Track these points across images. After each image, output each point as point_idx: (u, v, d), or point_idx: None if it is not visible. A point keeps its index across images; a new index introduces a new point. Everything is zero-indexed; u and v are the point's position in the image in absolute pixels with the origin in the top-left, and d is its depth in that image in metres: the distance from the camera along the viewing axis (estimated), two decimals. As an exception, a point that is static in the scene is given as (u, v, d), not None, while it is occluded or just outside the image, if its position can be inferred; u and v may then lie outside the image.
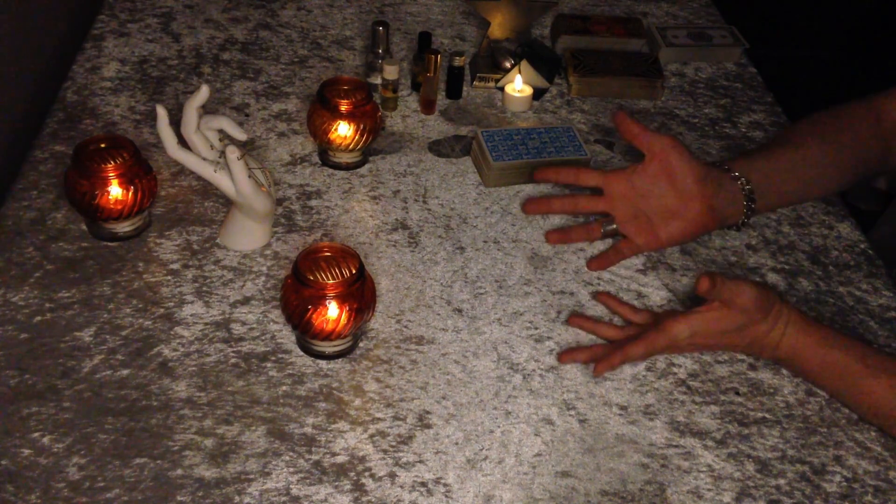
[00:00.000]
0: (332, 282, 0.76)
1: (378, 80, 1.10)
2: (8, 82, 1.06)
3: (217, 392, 0.76)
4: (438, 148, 1.07)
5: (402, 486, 0.71)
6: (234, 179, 0.83)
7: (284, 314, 0.78)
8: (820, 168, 0.95)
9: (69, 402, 0.74)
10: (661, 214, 0.90)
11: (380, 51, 1.10)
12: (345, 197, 0.98)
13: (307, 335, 0.77)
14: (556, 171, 0.94)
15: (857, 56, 2.74)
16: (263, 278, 0.87)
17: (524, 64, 1.14)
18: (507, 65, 1.17)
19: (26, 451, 0.70)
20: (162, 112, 0.82)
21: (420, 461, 0.73)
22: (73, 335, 0.79)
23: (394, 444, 0.74)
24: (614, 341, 0.84)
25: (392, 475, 0.71)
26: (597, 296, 0.89)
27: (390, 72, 1.07)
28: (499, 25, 1.17)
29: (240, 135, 0.83)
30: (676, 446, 0.76)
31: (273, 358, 0.80)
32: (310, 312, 0.75)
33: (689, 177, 0.88)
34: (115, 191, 0.85)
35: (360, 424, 0.75)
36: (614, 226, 0.93)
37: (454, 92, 1.14)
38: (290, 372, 0.79)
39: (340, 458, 0.72)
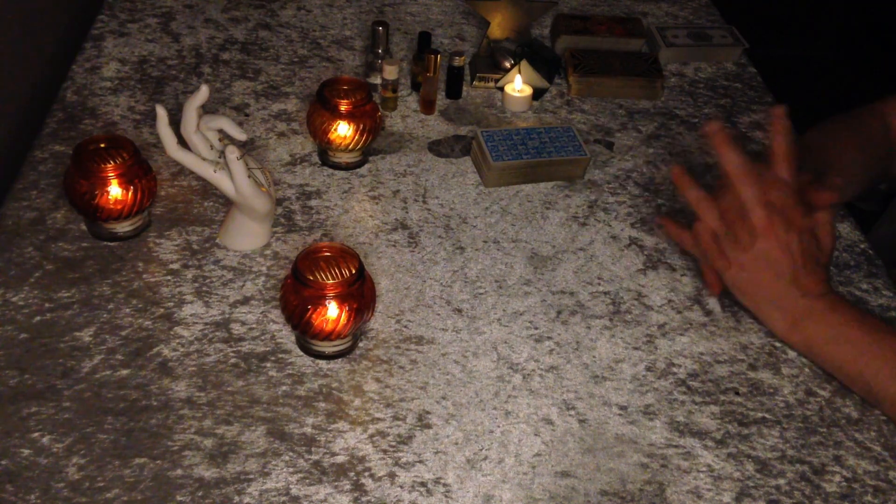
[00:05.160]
0: (331, 282, 0.76)
1: (378, 80, 1.10)
2: (8, 82, 1.06)
3: (217, 392, 0.76)
4: (438, 148, 1.07)
5: (401, 486, 0.71)
6: (233, 179, 0.83)
7: (284, 314, 0.78)
8: (849, 182, 0.96)
9: (69, 402, 0.74)
10: None
11: (380, 51, 1.10)
12: (344, 197, 0.98)
13: (307, 335, 0.77)
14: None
15: (857, 56, 2.74)
16: (263, 278, 0.87)
17: (524, 64, 1.14)
18: (507, 65, 1.17)
19: (26, 451, 0.70)
20: (162, 112, 0.82)
21: (420, 461, 0.73)
22: (72, 335, 0.79)
23: (393, 444, 0.74)
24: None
25: (392, 475, 0.71)
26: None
27: (390, 72, 1.07)
28: (499, 25, 1.17)
29: (239, 135, 0.83)
30: (676, 446, 0.76)
31: (273, 358, 0.80)
32: (309, 312, 0.75)
33: None
34: (115, 191, 0.85)
35: (360, 424, 0.75)
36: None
37: (454, 92, 1.14)
38: (290, 372, 0.79)
39: (340, 458, 0.72)
